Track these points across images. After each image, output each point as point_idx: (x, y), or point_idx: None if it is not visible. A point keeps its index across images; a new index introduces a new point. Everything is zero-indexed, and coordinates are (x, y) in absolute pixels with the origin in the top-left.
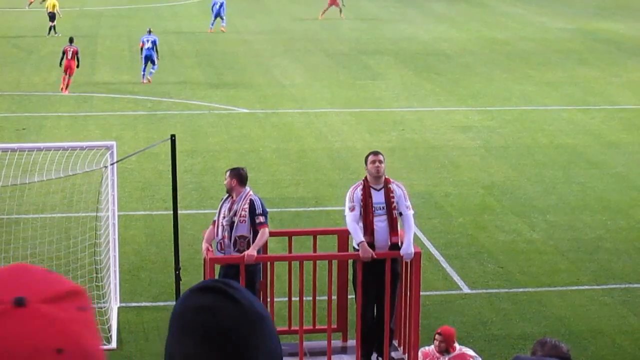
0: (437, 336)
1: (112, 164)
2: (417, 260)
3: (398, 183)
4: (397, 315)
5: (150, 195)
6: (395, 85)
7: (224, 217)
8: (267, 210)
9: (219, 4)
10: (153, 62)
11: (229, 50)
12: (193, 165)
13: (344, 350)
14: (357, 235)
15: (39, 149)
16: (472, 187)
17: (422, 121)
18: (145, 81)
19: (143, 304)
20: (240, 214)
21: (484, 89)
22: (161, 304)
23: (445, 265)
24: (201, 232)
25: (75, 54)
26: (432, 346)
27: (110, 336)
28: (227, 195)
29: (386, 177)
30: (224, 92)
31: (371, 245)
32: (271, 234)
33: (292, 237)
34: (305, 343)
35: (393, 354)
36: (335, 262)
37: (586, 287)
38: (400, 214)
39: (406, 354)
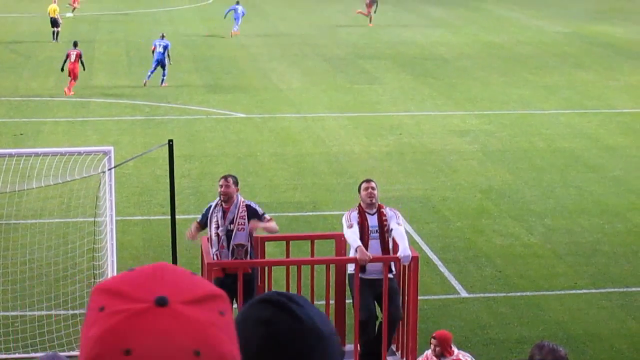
0: (432, 340)
1: (109, 169)
2: (414, 265)
3: (392, 208)
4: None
5: (148, 200)
6: (393, 90)
7: (218, 227)
8: None
9: (239, 9)
10: (163, 67)
11: (226, 55)
12: (190, 170)
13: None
14: (355, 241)
15: (37, 155)
16: (470, 191)
17: (420, 125)
18: (145, 83)
19: None
20: (239, 222)
21: (481, 93)
22: None
23: (443, 269)
24: (199, 237)
25: (79, 57)
26: (430, 351)
27: None
28: (215, 203)
29: (379, 203)
30: (222, 96)
31: (363, 266)
32: (269, 239)
33: (290, 242)
34: None
35: (391, 359)
36: (332, 267)
37: (584, 291)
38: (391, 229)
39: (404, 359)
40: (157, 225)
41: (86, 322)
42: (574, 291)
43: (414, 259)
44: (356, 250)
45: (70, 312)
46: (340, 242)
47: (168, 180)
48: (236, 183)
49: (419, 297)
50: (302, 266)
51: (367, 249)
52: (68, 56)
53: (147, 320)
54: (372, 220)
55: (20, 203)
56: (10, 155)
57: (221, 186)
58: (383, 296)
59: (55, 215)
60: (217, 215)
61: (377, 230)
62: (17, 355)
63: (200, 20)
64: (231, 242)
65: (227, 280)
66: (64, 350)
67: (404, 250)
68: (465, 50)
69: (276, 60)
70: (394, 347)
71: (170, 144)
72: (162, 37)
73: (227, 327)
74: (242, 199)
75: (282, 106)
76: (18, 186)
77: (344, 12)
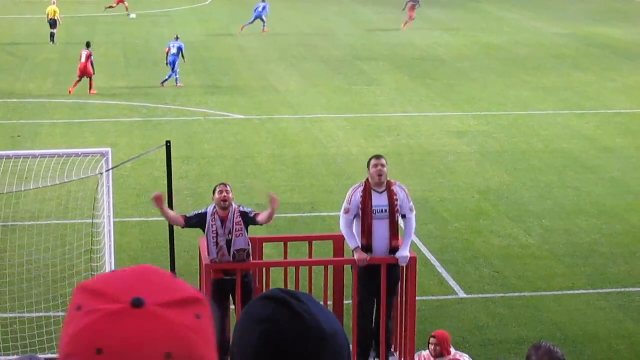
0: (431, 339)
1: (107, 171)
2: (412, 266)
3: (400, 185)
4: (394, 319)
5: (146, 202)
6: (391, 91)
7: (218, 236)
8: None
9: (261, 7)
10: (173, 69)
11: (224, 57)
12: (188, 171)
13: None
14: (352, 241)
15: (34, 156)
16: (468, 192)
17: (418, 127)
18: (163, 85)
19: None
20: (236, 229)
21: (479, 94)
22: None
23: (441, 270)
24: (197, 239)
25: (89, 57)
26: (428, 351)
27: None
28: (212, 212)
29: (388, 179)
30: (220, 98)
31: (368, 248)
32: (267, 240)
33: (288, 243)
34: None
35: (389, 359)
36: (331, 268)
37: (582, 291)
38: (404, 216)
39: (402, 359)
40: (155, 227)
41: (65, 320)
42: (571, 292)
43: (412, 260)
44: (354, 251)
45: None
46: (339, 243)
47: (166, 182)
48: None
49: (417, 298)
50: (300, 267)
51: (370, 231)
52: (80, 57)
53: (122, 321)
54: (380, 200)
55: (18, 205)
56: (8, 157)
57: (221, 192)
58: (382, 281)
59: (53, 217)
60: (215, 225)
61: (385, 210)
62: (15, 357)
63: (198, 22)
64: (232, 249)
65: (225, 281)
66: None
67: (403, 251)
68: (464, 52)
69: (274, 61)
70: (392, 348)
71: (168, 145)
72: (177, 38)
73: (203, 331)
74: (236, 205)
75: (280, 108)
76: (16, 188)
77: (342, 13)
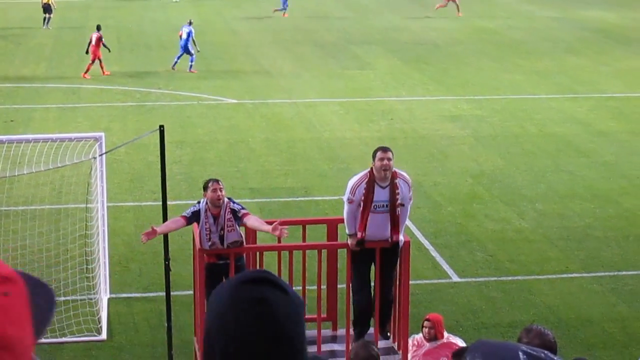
0: (425, 323)
1: (100, 155)
2: (406, 249)
3: (404, 177)
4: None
5: (140, 187)
6: (384, 75)
7: (211, 232)
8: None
9: None
10: (189, 53)
11: (218, 41)
12: (182, 156)
13: (334, 339)
14: (350, 228)
15: (28, 141)
16: (461, 176)
17: (411, 111)
18: (173, 68)
19: (133, 295)
20: (228, 225)
21: (472, 79)
22: (151, 294)
23: (434, 254)
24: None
25: (99, 40)
26: (420, 334)
27: (101, 327)
28: (204, 208)
29: (394, 170)
30: (213, 82)
31: (363, 241)
32: None
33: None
34: None
35: (382, 343)
36: (324, 252)
37: (575, 275)
38: (402, 204)
39: (395, 343)
40: (148, 211)
41: None
42: (565, 275)
43: (406, 244)
44: (349, 237)
45: (62, 298)
46: (332, 227)
47: (159, 166)
48: None
49: (410, 282)
50: (293, 252)
51: (365, 225)
52: (90, 40)
53: None
54: (382, 195)
55: (11, 190)
56: (1, 142)
57: (214, 191)
58: (376, 267)
59: (46, 201)
60: (209, 222)
61: (386, 205)
62: None
63: (191, 6)
64: (224, 242)
65: (219, 265)
66: (55, 336)
67: (400, 235)
68: (457, 36)
69: (267, 46)
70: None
71: (162, 130)
72: (190, 23)
73: (9, 309)
74: (227, 200)
75: (274, 92)
76: (9, 173)
77: None
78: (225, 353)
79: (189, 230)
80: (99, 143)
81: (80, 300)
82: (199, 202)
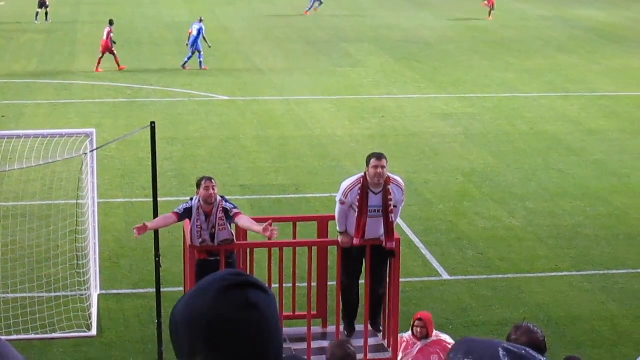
0: (417, 322)
1: (91, 151)
2: (397, 247)
3: (398, 182)
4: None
5: (130, 183)
6: (376, 73)
7: (202, 230)
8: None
9: None
10: (199, 51)
11: (209, 38)
12: (173, 152)
13: (324, 336)
14: (341, 226)
15: (19, 137)
16: (452, 174)
17: (403, 108)
18: (186, 68)
19: (123, 291)
20: (219, 224)
21: (464, 77)
22: (141, 291)
23: (425, 251)
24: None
25: (109, 34)
26: (409, 333)
27: (91, 323)
28: (196, 205)
29: (387, 175)
30: (204, 79)
31: (359, 247)
32: None
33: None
34: (285, 329)
35: (372, 340)
36: (315, 249)
37: (565, 273)
38: (395, 206)
39: (385, 340)
40: (139, 207)
41: None
42: (555, 273)
43: (396, 242)
44: (340, 234)
45: (53, 294)
46: (323, 225)
47: (150, 163)
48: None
49: (400, 280)
50: (284, 248)
51: (363, 231)
52: (103, 34)
53: None
54: (375, 200)
55: (1, 185)
56: None
57: (207, 188)
58: (367, 264)
59: (37, 197)
60: (200, 220)
61: (379, 210)
62: None
63: (183, 3)
64: (215, 240)
65: (210, 262)
66: (46, 332)
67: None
68: (449, 34)
69: (259, 43)
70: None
71: (153, 126)
72: (200, 20)
73: None
74: (220, 198)
75: (265, 89)
76: None
77: None
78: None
79: (179, 227)
80: (90, 139)
81: (71, 296)
82: (191, 199)
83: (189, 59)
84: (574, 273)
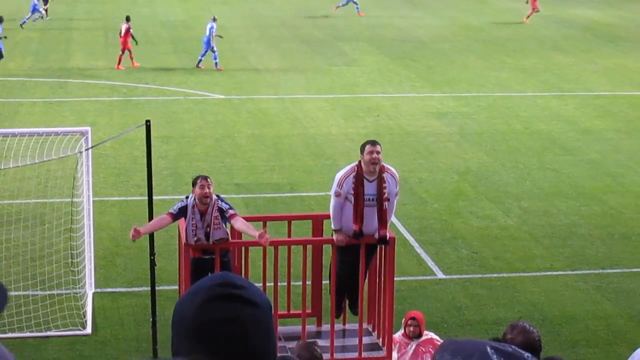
0: (410, 321)
1: (87, 150)
2: (391, 246)
3: (392, 171)
4: (370, 298)
5: (125, 181)
6: (371, 72)
7: (197, 229)
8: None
9: None
10: (212, 50)
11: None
12: (168, 151)
13: (318, 334)
14: (336, 223)
15: (14, 135)
16: (447, 173)
17: (397, 107)
18: (200, 67)
19: (118, 289)
20: (214, 223)
21: (459, 76)
22: (136, 289)
23: (419, 250)
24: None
25: (127, 30)
26: (399, 332)
27: (86, 322)
28: (192, 204)
29: (382, 164)
30: (199, 78)
31: (360, 233)
32: (246, 219)
33: (267, 223)
34: (279, 328)
35: (367, 339)
36: (309, 248)
37: (560, 272)
38: (388, 199)
39: (380, 339)
40: (134, 206)
41: None
42: (549, 273)
43: (391, 240)
44: (335, 232)
45: (48, 292)
46: (318, 223)
47: (145, 161)
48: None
49: (395, 278)
50: (279, 247)
51: (361, 217)
52: (120, 30)
53: None
54: (370, 189)
55: None
56: None
57: (202, 187)
58: (361, 261)
59: (32, 195)
60: (195, 218)
61: (373, 199)
62: None
63: (178, 2)
64: (210, 239)
65: (204, 260)
66: (40, 330)
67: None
68: (444, 33)
69: (254, 41)
70: (370, 328)
71: (148, 124)
72: (213, 19)
73: None
74: (215, 198)
75: (260, 88)
76: None
77: None
78: None
79: (174, 225)
80: (85, 137)
81: (65, 294)
82: (187, 198)
83: (202, 56)
84: (568, 272)
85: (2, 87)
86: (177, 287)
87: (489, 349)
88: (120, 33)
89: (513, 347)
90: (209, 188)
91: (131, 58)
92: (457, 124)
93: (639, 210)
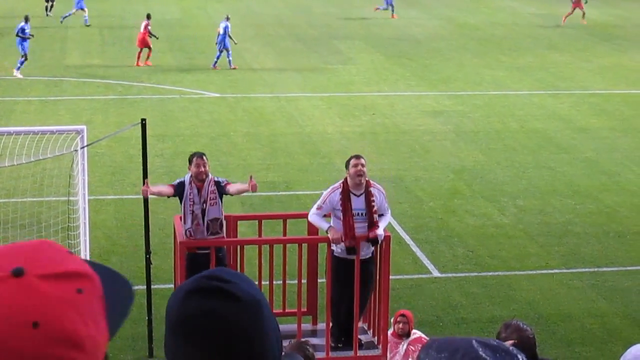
0: (400, 318)
1: (82, 148)
2: (387, 244)
3: (378, 187)
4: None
5: (121, 180)
6: (366, 70)
7: (194, 204)
8: None
9: None
10: (227, 49)
11: (200, 35)
12: (164, 149)
13: (314, 333)
14: (323, 224)
15: (9, 134)
16: (443, 172)
17: (393, 106)
18: (216, 67)
19: None
20: (210, 198)
21: (454, 74)
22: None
23: (415, 249)
24: (172, 217)
25: (146, 27)
26: (389, 331)
27: None
28: (189, 180)
29: (367, 180)
30: (195, 76)
31: (353, 249)
32: (242, 218)
33: (262, 221)
34: None
35: (362, 337)
36: (305, 246)
37: (555, 271)
38: (381, 215)
39: (375, 337)
40: (130, 204)
41: None
42: (545, 271)
43: (386, 239)
44: (328, 231)
45: None
46: None
47: (141, 160)
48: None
49: (391, 277)
50: (274, 245)
51: (352, 234)
52: (140, 28)
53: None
54: (358, 203)
55: None
56: None
57: (197, 166)
58: (355, 276)
59: (28, 194)
60: (192, 193)
61: (363, 214)
62: None
63: (173, 0)
64: (205, 217)
65: (199, 255)
66: None
67: (378, 229)
68: (439, 31)
69: (250, 40)
70: (365, 326)
71: (144, 123)
72: (227, 18)
73: (82, 306)
74: (212, 176)
75: (256, 86)
76: None
77: None
78: None
79: (169, 224)
80: (80, 136)
81: None
82: (184, 176)
83: (218, 58)
84: (564, 270)
85: None
86: (172, 285)
87: (474, 343)
88: (140, 29)
89: (497, 341)
90: (204, 167)
91: (148, 56)
92: (453, 122)
93: (634, 208)
